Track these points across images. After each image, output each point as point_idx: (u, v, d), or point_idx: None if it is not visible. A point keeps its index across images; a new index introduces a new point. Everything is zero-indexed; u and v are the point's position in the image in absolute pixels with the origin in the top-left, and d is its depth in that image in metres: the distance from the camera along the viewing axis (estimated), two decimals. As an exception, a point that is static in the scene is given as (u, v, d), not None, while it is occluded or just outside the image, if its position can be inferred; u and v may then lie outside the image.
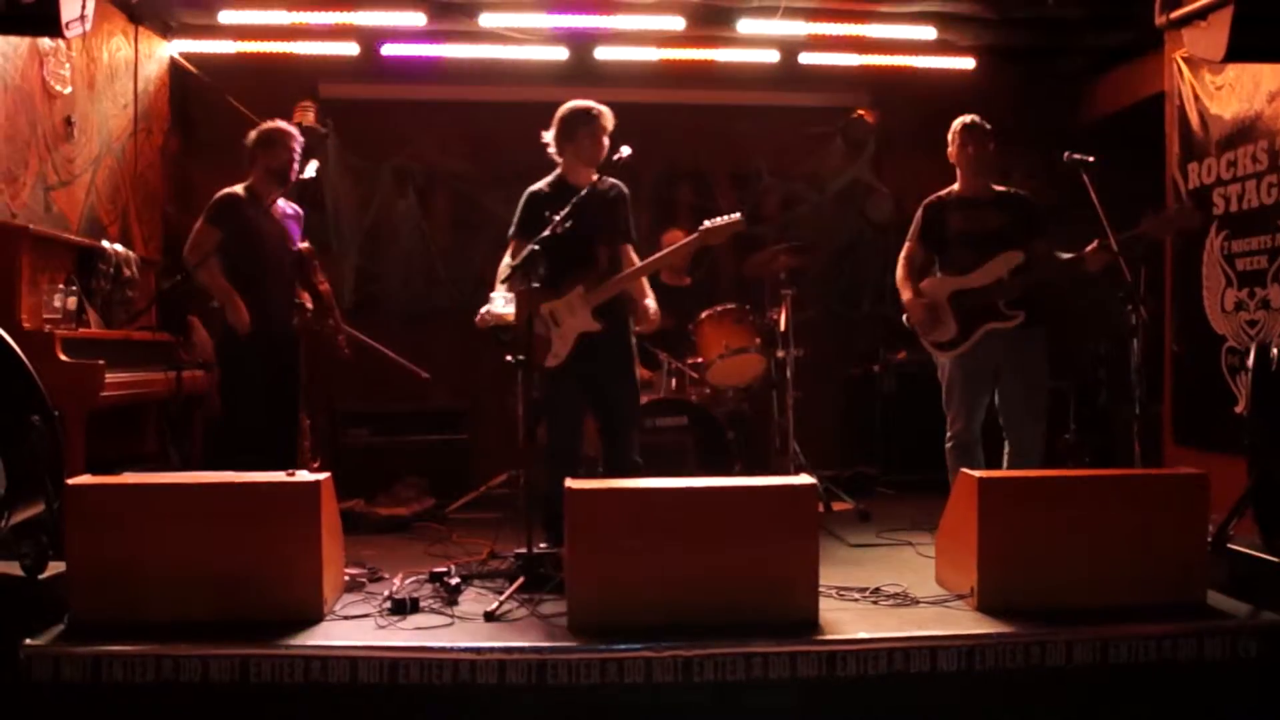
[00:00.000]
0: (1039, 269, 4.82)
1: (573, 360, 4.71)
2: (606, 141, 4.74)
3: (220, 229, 4.94)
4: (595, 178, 4.69)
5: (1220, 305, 5.59)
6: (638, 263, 4.82)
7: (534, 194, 4.80)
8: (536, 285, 4.39)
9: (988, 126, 5.03)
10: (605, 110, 4.76)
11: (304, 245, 5.25)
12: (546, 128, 4.84)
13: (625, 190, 4.89)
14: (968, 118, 5.05)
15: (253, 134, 5.15)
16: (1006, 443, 4.96)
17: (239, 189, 5.00)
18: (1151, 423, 5.29)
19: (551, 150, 4.80)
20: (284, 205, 5.23)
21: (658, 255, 4.77)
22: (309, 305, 5.21)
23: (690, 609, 3.62)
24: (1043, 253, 4.83)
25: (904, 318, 5.19)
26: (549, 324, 4.71)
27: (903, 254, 5.21)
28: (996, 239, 4.91)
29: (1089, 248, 4.59)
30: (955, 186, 5.12)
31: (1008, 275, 4.85)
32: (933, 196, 5.19)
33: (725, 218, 4.72)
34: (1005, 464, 4.92)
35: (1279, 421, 4.20)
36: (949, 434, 5.04)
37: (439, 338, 7.03)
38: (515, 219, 4.82)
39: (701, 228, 4.72)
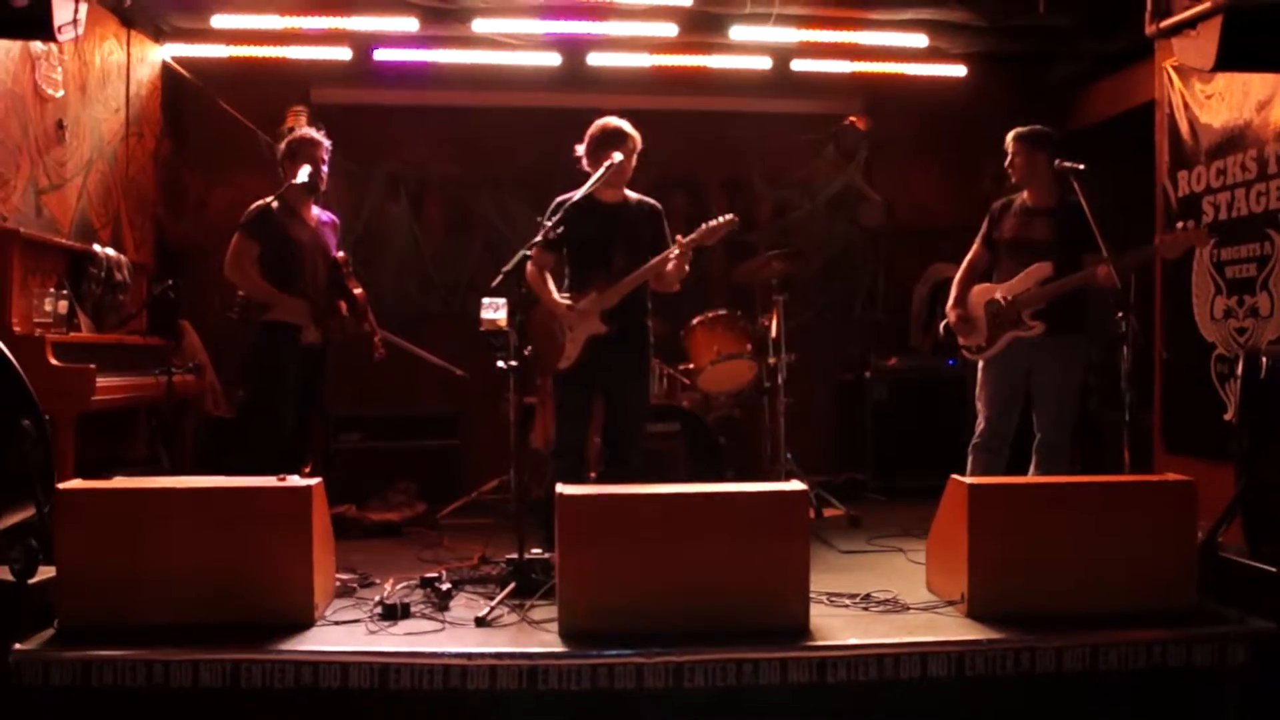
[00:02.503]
0: (1056, 284, 4.81)
1: (583, 362, 4.80)
2: (631, 163, 4.83)
3: (257, 241, 4.94)
4: (625, 196, 4.84)
5: (1210, 313, 5.61)
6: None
7: (560, 205, 4.81)
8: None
9: (1039, 134, 4.97)
10: (634, 135, 4.82)
11: (339, 254, 5.27)
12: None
13: (658, 207, 4.99)
14: (1019, 128, 5.02)
15: (281, 145, 5.18)
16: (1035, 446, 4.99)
17: (271, 200, 4.99)
18: (1141, 430, 5.31)
19: (584, 164, 4.84)
20: (319, 213, 5.24)
21: (654, 261, 4.83)
22: (345, 313, 5.22)
23: (681, 615, 3.62)
24: (1094, 264, 4.71)
25: (941, 323, 5.25)
26: (564, 328, 4.83)
27: (968, 256, 5.24)
28: (1039, 249, 4.90)
29: (1100, 269, 4.58)
30: (1024, 193, 5.09)
31: (1034, 286, 4.88)
32: (1000, 200, 5.21)
33: (721, 219, 4.81)
34: (1032, 469, 4.94)
35: (1267, 429, 4.22)
36: (975, 434, 5.07)
37: (431, 342, 7.02)
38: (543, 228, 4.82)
39: (701, 227, 4.82)
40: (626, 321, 4.85)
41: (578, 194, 4.67)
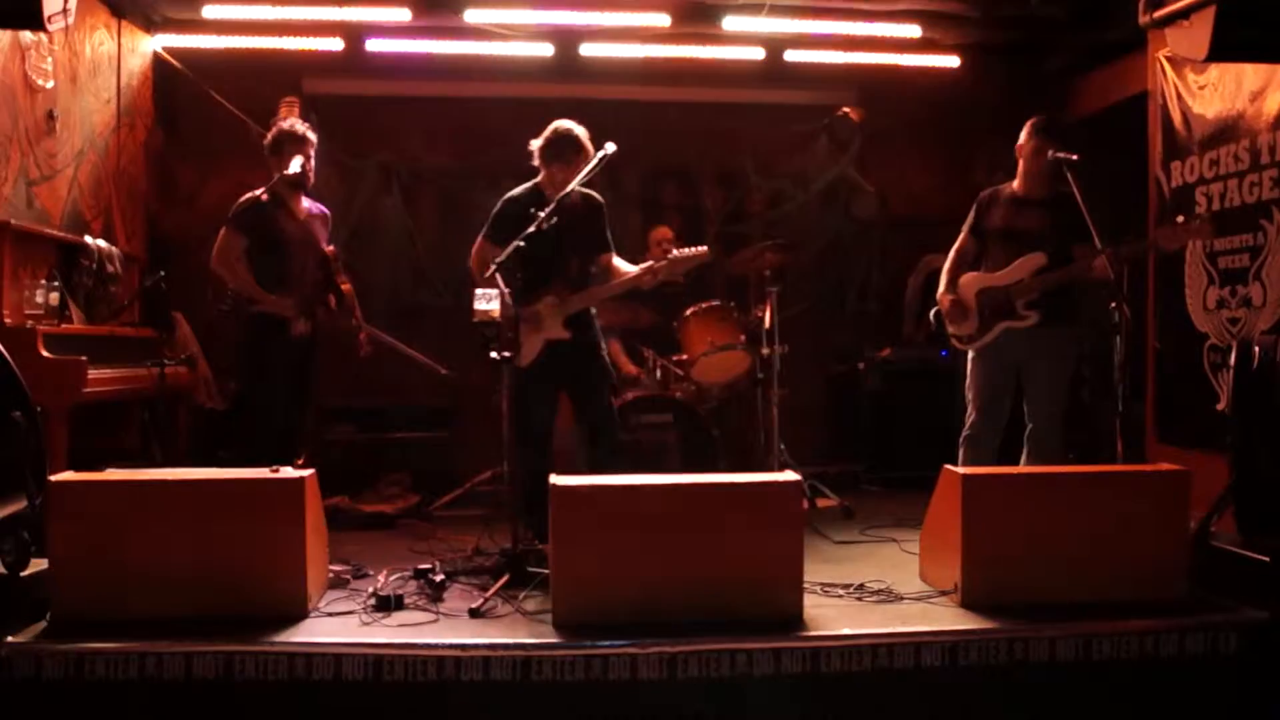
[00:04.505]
0: (1052, 275, 4.81)
1: (541, 361, 4.84)
2: (582, 172, 4.82)
3: (244, 235, 4.93)
4: (569, 190, 4.78)
5: (1203, 303, 5.62)
6: (619, 268, 4.95)
7: (510, 199, 4.92)
8: (519, 280, 4.50)
9: (1053, 125, 4.95)
10: (589, 146, 4.82)
11: (329, 249, 5.24)
12: (533, 124, 4.88)
13: (600, 201, 4.99)
14: (1036, 118, 4.99)
15: (267, 139, 5.14)
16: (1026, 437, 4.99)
17: (260, 193, 4.97)
18: (1134, 420, 5.31)
19: (534, 160, 4.87)
20: (310, 205, 5.21)
21: (624, 279, 4.93)
22: (334, 306, 5.20)
23: (675, 606, 3.63)
24: (1082, 256, 4.72)
25: (931, 312, 5.24)
26: (521, 329, 4.82)
27: (955, 245, 5.22)
28: (1032, 239, 4.89)
29: (1097, 259, 4.57)
30: (1014, 182, 5.07)
31: (1029, 276, 4.87)
32: (988, 189, 5.19)
33: (693, 250, 4.86)
34: (1023, 459, 4.94)
35: (1260, 419, 4.23)
36: (964, 425, 5.07)
37: (424, 334, 7.01)
38: (490, 222, 4.94)
39: (670, 256, 4.89)
40: (582, 319, 4.92)
41: (521, 189, 4.76)
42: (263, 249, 4.96)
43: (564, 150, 4.81)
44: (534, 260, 4.72)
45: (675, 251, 4.88)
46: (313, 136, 5.13)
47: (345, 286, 5.24)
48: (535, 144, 4.87)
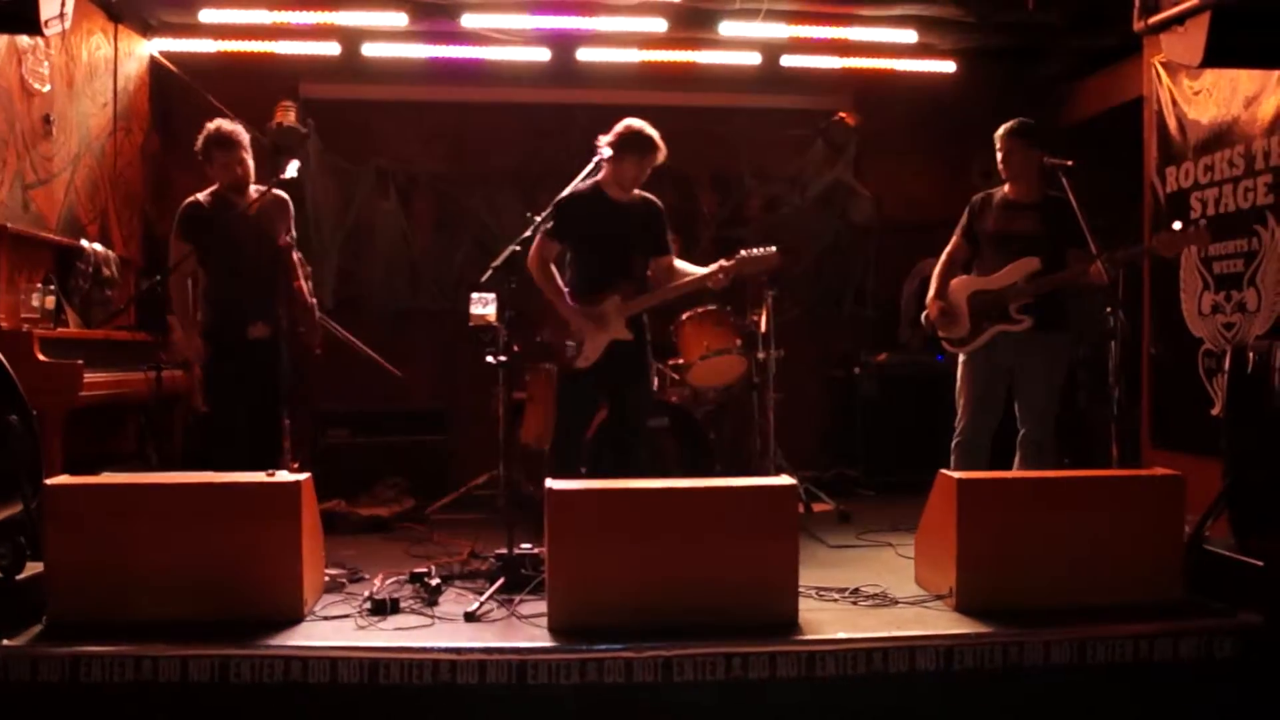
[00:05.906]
0: (1047, 279, 4.81)
1: (600, 362, 4.83)
2: (648, 173, 4.86)
3: (189, 241, 4.83)
4: (634, 195, 4.86)
5: (1198, 308, 5.63)
6: (682, 269, 4.97)
7: (571, 196, 4.83)
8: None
9: (1031, 128, 4.95)
10: (662, 148, 4.81)
11: (286, 239, 5.07)
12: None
13: (659, 204, 5.00)
14: (1009, 124, 4.99)
15: (197, 145, 4.94)
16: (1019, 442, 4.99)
17: (202, 195, 4.90)
18: (1129, 425, 5.32)
19: (601, 155, 4.79)
20: (258, 193, 4.98)
21: (692, 278, 4.94)
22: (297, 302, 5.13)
23: (670, 609, 3.63)
24: (1076, 261, 4.74)
25: (923, 315, 5.24)
26: (583, 331, 4.83)
27: (947, 248, 5.22)
28: (1025, 243, 4.89)
29: (1093, 265, 4.57)
30: (1005, 186, 5.07)
31: (1022, 280, 4.87)
32: (980, 194, 5.19)
33: (761, 250, 4.87)
34: (1016, 464, 4.94)
35: (1254, 424, 4.24)
36: (956, 431, 5.07)
37: (420, 338, 7.02)
38: (549, 218, 4.82)
39: (739, 255, 4.88)
40: (640, 323, 4.92)
41: (582, 185, 4.73)
42: (210, 252, 4.88)
43: (636, 148, 4.76)
44: (598, 260, 4.75)
45: (744, 251, 4.87)
46: (243, 136, 4.95)
47: (297, 284, 5.07)
48: (604, 139, 4.79)
